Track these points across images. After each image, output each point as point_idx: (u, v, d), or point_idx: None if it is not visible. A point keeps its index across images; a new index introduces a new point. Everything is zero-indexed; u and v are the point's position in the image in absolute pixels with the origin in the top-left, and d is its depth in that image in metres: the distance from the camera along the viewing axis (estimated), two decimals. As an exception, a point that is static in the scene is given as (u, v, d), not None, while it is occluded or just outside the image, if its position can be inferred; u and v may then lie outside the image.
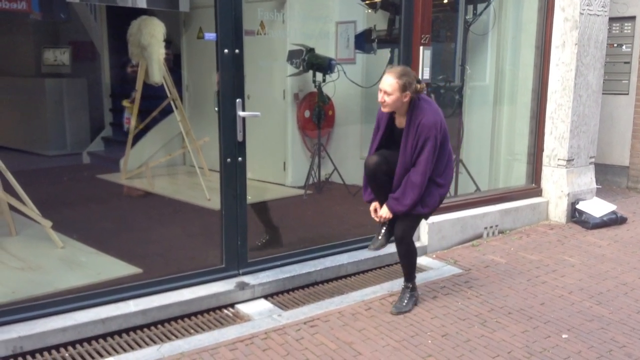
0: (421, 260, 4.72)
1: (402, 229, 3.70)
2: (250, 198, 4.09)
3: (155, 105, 6.59)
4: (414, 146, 3.49)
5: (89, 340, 3.32)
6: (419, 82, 3.52)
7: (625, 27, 7.06)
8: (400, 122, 3.61)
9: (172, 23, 7.07)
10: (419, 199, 3.55)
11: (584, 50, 5.61)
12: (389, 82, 3.44)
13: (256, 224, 4.59)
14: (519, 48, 6.05)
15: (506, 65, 6.13)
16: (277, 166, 6.56)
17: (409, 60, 4.67)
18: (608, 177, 7.38)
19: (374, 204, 3.77)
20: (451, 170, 3.73)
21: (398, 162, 3.57)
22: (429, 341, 3.38)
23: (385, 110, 3.57)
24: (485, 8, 5.96)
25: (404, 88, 3.43)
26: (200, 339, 3.36)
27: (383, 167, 3.62)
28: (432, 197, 3.62)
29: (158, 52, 5.87)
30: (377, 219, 3.75)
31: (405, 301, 3.82)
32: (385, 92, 3.47)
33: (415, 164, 3.51)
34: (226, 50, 3.76)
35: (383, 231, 3.82)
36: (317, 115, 6.23)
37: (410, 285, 3.88)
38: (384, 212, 3.65)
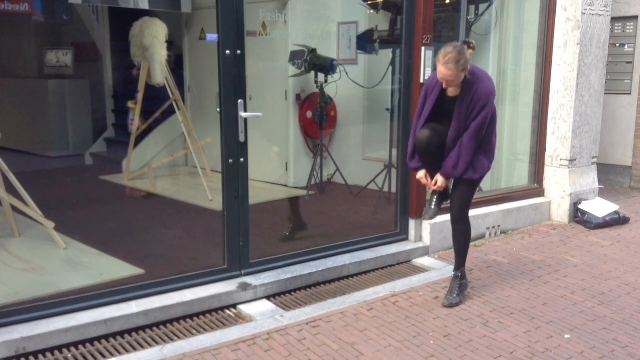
0: (423, 261, 4.73)
1: (458, 206, 3.83)
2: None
3: (157, 106, 6.61)
4: (470, 112, 3.56)
5: (91, 341, 3.33)
6: (469, 46, 3.56)
7: (628, 27, 7.05)
8: (454, 91, 3.63)
9: (174, 24, 7.08)
10: (470, 162, 3.65)
11: (586, 50, 5.60)
12: (451, 74, 3.47)
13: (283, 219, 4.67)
14: (521, 48, 6.04)
15: (508, 66, 6.12)
16: (279, 167, 6.57)
17: (410, 60, 4.67)
18: (610, 177, 7.37)
19: (423, 172, 3.84)
20: (496, 139, 3.84)
21: (451, 128, 3.64)
22: (431, 342, 3.38)
23: (451, 89, 3.60)
24: (487, 8, 5.95)
25: (464, 69, 3.48)
26: (203, 339, 3.36)
27: (435, 140, 3.68)
28: (481, 163, 3.72)
29: (160, 53, 5.89)
30: (431, 187, 3.82)
31: (456, 292, 3.90)
32: (448, 81, 3.52)
33: (468, 127, 3.59)
34: (228, 51, 3.77)
35: (435, 200, 3.92)
36: (319, 116, 6.24)
37: (460, 274, 3.94)
38: (440, 181, 3.74)
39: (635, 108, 7.10)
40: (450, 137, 3.65)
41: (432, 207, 3.95)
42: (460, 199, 3.81)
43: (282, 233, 4.96)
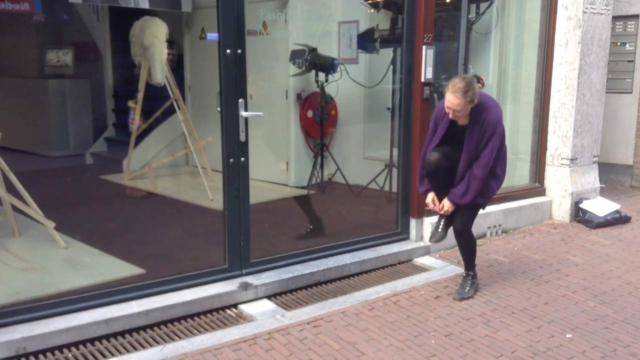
0: (424, 260, 4.72)
1: (461, 222, 3.88)
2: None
3: (158, 105, 6.60)
4: (479, 141, 3.63)
5: (92, 340, 3.33)
6: (478, 80, 3.62)
7: (629, 26, 7.04)
8: (463, 120, 3.69)
9: (175, 23, 7.07)
10: (479, 191, 3.73)
11: (587, 49, 5.59)
12: (457, 103, 3.52)
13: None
14: (522, 47, 6.03)
15: (509, 65, 6.11)
16: (280, 166, 6.56)
17: (411, 59, 4.66)
18: (612, 176, 7.36)
19: (432, 196, 3.90)
20: (505, 163, 3.90)
21: (462, 157, 3.70)
22: (433, 341, 3.37)
23: (460, 121, 3.67)
24: (488, 7, 5.94)
25: (471, 101, 3.54)
26: (203, 339, 3.35)
27: (444, 164, 3.75)
28: (489, 188, 3.81)
29: (160, 53, 5.88)
30: (438, 211, 3.89)
31: (467, 288, 3.99)
32: (455, 111, 3.57)
33: (478, 157, 3.66)
34: (228, 51, 3.76)
35: (442, 223, 3.98)
36: (319, 115, 6.23)
37: (472, 273, 4.04)
38: (447, 206, 3.80)
39: (636, 107, 7.09)
40: (462, 165, 3.72)
41: (439, 230, 3.99)
42: (464, 215, 3.88)
43: (282, 232, 4.95)
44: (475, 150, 3.66)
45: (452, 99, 3.52)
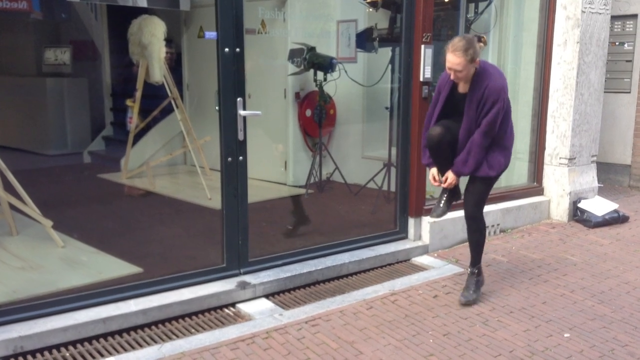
0: (422, 259, 4.72)
1: (473, 202, 3.79)
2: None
3: (156, 104, 6.59)
4: (480, 109, 3.52)
5: (89, 340, 3.31)
6: (479, 40, 3.52)
7: (627, 25, 7.04)
8: (464, 87, 3.61)
9: (173, 22, 7.06)
10: (481, 160, 3.61)
11: (585, 48, 5.59)
12: (458, 62, 3.42)
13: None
14: (521, 46, 6.03)
15: (508, 64, 6.11)
16: (278, 165, 6.55)
17: (410, 59, 4.65)
18: (610, 175, 7.36)
19: (433, 171, 3.82)
20: (513, 135, 3.79)
21: (462, 125, 3.61)
22: (431, 340, 3.37)
23: (461, 83, 3.58)
24: (486, 6, 5.94)
25: (472, 60, 3.43)
26: (201, 338, 3.35)
27: (447, 138, 3.66)
28: (496, 159, 3.67)
29: (159, 51, 5.87)
30: (438, 184, 3.80)
31: (472, 289, 3.87)
32: (456, 71, 3.48)
33: (479, 124, 3.55)
34: (227, 49, 3.75)
35: (444, 198, 3.88)
36: (318, 114, 6.22)
37: (476, 271, 3.92)
38: (451, 178, 3.71)
39: (634, 107, 7.09)
40: (462, 134, 3.63)
41: (441, 205, 3.91)
42: (475, 194, 3.77)
43: (281, 232, 4.95)
44: (476, 117, 3.55)
45: (452, 58, 3.42)
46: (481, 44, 3.52)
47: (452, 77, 3.54)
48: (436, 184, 3.82)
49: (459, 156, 3.66)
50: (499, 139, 3.65)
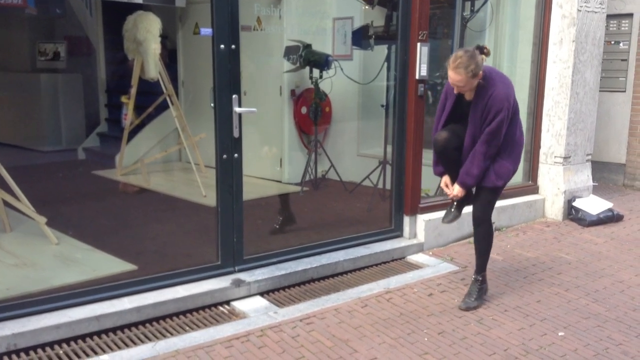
0: (417, 257, 4.72)
1: (481, 208, 3.74)
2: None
3: (151, 101, 6.57)
4: (484, 118, 3.48)
5: (83, 337, 3.30)
6: (482, 51, 3.44)
7: (623, 24, 7.05)
8: (470, 94, 3.56)
9: (168, 18, 7.04)
10: (484, 169, 3.56)
11: (581, 47, 5.60)
12: (459, 79, 3.38)
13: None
14: (516, 45, 6.03)
15: (503, 62, 6.11)
16: (273, 163, 6.54)
17: (406, 56, 4.65)
18: (604, 174, 7.38)
19: (445, 179, 3.79)
20: (521, 144, 3.75)
21: (466, 133, 3.57)
22: (425, 339, 3.37)
23: (466, 95, 3.54)
24: (482, 4, 5.94)
25: (474, 75, 3.38)
26: (196, 336, 3.34)
27: (453, 142, 3.63)
28: (505, 168, 3.63)
29: (154, 48, 5.84)
30: (449, 195, 3.76)
31: (474, 296, 3.82)
32: (458, 87, 3.45)
33: (482, 134, 3.51)
34: (222, 46, 3.74)
35: (455, 203, 3.84)
36: (313, 112, 6.21)
37: (480, 278, 3.86)
38: (457, 191, 3.67)
39: (629, 106, 7.11)
40: (467, 141, 3.59)
41: (452, 210, 3.87)
42: (483, 200, 3.73)
43: (276, 229, 4.94)
44: (480, 126, 3.50)
45: (453, 75, 3.38)
46: (483, 56, 3.44)
47: (455, 91, 3.51)
48: (448, 191, 3.76)
49: (463, 167, 3.61)
50: (505, 147, 3.60)
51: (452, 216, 3.87)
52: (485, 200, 3.73)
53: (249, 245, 4.07)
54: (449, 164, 3.73)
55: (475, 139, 3.55)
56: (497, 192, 3.74)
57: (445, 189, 3.80)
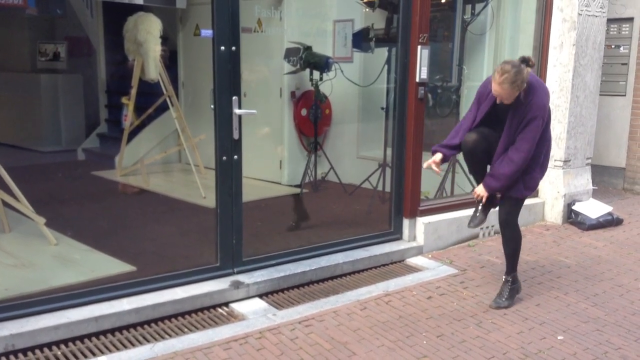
0: (417, 260, 4.72)
1: (505, 211, 3.75)
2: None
3: (151, 102, 6.57)
4: (520, 123, 3.46)
5: (81, 338, 3.29)
6: (527, 64, 3.39)
7: (623, 29, 7.05)
8: (509, 100, 3.49)
9: (169, 19, 7.04)
10: (514, 177, 3.54)
11: (581, 51, 5.60)
12: (508, 93, 3.36)
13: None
14: (517, 48, 6.03)
15: (504, 66, 6.10)
16: (273, 164, 6.54)
17: (406, 59, 4.65)
18: (604, 178, 7.38)
19: (434, 157, 3.69)
20: (548, 153, 3.73)
21: (501, 138, 3.55)
22: (424, 342, 3.37)
23: (505, 101, 3.49)
24: (483, 8, 5.94)
25: (519, 89, 3.37)
26: (194, 337, 3.33)
27: (482, 145, 3.62)
28: (534, 179, 3.65)
29: (154, 49, 5.85)
30: (474, 197, 3.75)
31: (505, 296, 3.83)
32: (502, 98, 3.42)
33: (515, 141, 3.49)
34: (223, 48, 3.74)
35: (480, 207, 3.82)
36: (313, 114, 6.22)
37: (511, 279, 3.87)
38: (480, 190, 3.66)
39: (629, 110, 7.11)
40: (500, 146, 3.56)
41: (478, 214, 3.84)
42: (507, 207, 3.75)
43: (275, 231, 4.94)
44: (515, 131, 3.48)
45: (499, 90, 3.35)
46: (528, 69, 3.39)
47: (497, 100, 3.47)
48: (476, 195, 3.73)
49: (492, 171, 3.60)
50: (538, 157, 3.60)
51: (478, 220, 3.86)
52: (511, 206, 3.76)
53: (248, 247, 4.07)
54: (474, 165, 3.74)
55: (509, 144, 3.54)
56: (523, 199, 3.78)
57: (431, 166, 3.71)
